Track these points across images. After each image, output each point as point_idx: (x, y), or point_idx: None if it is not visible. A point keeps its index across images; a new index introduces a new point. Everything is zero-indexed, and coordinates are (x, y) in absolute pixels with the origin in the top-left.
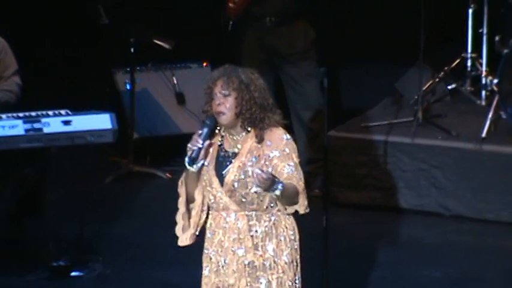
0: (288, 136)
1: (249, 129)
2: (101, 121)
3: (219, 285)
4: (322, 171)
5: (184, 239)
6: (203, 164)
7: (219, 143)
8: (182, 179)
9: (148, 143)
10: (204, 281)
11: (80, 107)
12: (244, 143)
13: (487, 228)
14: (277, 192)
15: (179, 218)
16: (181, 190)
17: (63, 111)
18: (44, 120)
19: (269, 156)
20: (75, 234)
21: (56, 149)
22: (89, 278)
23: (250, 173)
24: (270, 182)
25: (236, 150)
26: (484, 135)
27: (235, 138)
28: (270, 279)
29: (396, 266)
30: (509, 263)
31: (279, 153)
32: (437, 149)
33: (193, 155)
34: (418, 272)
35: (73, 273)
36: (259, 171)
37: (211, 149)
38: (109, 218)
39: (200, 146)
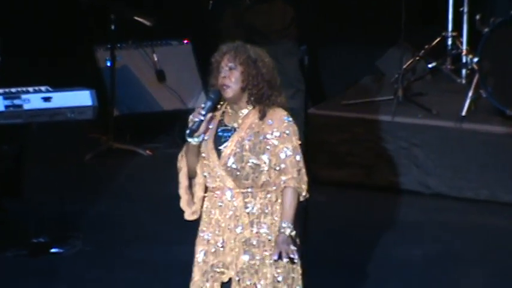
0: (290, 118)
1: (253, 104)
2: (81, 98)
3: (218, 266)
4: (302, 148)
5: (190, 213)
6: (203, 138)
7: (220, 118)
8: (182, 152)
9: (128, 120)
10: (198, 265)
11: (60, 84)
12: (245, 119)
13: (466, 206)
14: (293, 233)
15: (182, 192)
16: (182, 164)
17: (43, 88)
18: (24, 96)
19: (268, 135)
20: (55, 212)
21: (36, 125)
22: (69, 254)
23: (247, 147)
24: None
25: (236, 125)
26: (464, 113)
27: (237, 113)
28: (264, 256)
29: (376, 244)
30: (488, 241)
31: (279, 134)
32: (418, 128)
33: (194, 126)
34: (398, 250)
35: (53, 250)
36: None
37: (211, 124)
38: (89, 195)
39: (202, 118)
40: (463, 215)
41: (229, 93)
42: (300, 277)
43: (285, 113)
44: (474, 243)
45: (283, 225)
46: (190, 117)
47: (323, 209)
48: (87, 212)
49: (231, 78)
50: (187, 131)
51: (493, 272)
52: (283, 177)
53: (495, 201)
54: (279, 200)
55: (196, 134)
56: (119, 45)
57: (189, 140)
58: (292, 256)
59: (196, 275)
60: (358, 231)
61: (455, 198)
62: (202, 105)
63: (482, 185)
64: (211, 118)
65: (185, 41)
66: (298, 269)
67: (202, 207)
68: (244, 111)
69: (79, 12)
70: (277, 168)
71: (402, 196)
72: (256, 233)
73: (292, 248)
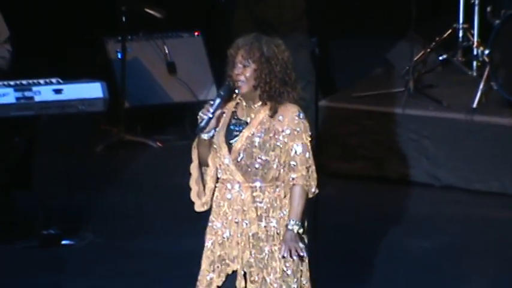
0: (302, 115)
1: (265, 101)
2: (92, 90)
3: (224, 257)
4: (313, 141)
5: (201, 204)
6: (213, 134)
7: (233, 109)
8: (194, 144)
9: (139, 112)
10: (206, 253)
11: (71, 76)
12: (257, 114)
13: (477, 198)
14: (301, 230)
15: (193, 183)
16: (194, 155)
17: (54, 80)
18: (35, 88)
19: (279, 131)
20: (65, 204)
21: (46, 117)
22: (79, 246)
23: (256, 144)
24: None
25: (248, 119)
26: (474, 105)
27: (250, 107)
28: (273, 250)
29: (386, 236)
30: (498, 233)
31: (290, 131)
32: (428, 120)
33: (203, 124)
34: (408, 242)
35: (63, 242)
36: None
37: (223, 116)
38: (100, 187)
39: (210, 115)
40: (473, 207)
41: (244, 88)
42: (308, 270)
43: (297, 109)
44: (484, 236)
45: (291, 222)
46: (200, 113)
47: (333, 202)
48: (98, 203)
49: (245, 74)
50: (197, 128)
51: (502, 264)
52: (293, 175)
53: (505, 194)
54: (288, 195)
55: (205, 131)
56: (129, 37)
57: (200, 134)
58: (301, 254)
59: (204, 263)
60: (368, 223)
61: (466, 191)
62: (211, 102)
63: (493, 177)
64: (222, 114)
65: (196, 33)
66: (307, 262)
67: (212, 198)
68: (257, 105)
69: (90, 4)
70: (287, 165)
71: (412, 188)
72: (265, 227)
73: (301, 245)
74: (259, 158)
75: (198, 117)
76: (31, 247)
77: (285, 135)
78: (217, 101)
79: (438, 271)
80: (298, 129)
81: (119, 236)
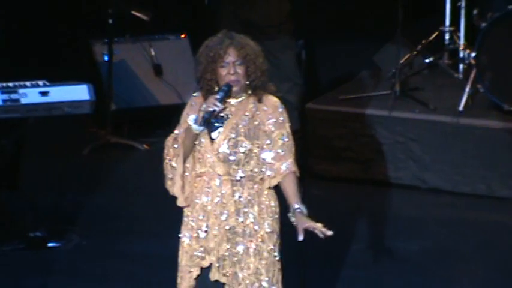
0: (283, 105)
1: (249, 93)
2: (79, 92)
3: (199, 250)
4: (299, 143)
5: (183, 199)
6: (206, 128)
7: None
8: (180, 139)
9: (125, 114)
10: (184, 249)
11: (58, 78)
12: (239, 106)
13: (463, 201)
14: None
15: (177, 178)
16: (180, 150)
17: (40, 82)
18: (21, 91)
19: (263, 121)
20: (52, 205)
21: (33, 120)
22: (66, 249)
23: (241, 132)
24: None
25: (228, 112)
26: (461, 108)
27: (233, 99)
28: (248, 246)
29: (373, 238)
30: (485, 236)
31: (275, 120)
32: (415, 122)
33: (206, 115)
34: (395, 244)
35: (50, 244)
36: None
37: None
38: (86, 189)
39: (217, 108)
40: (459, 210)
41: (238, 86)
42: (280, 272)
43: (277, 99)
44: (471, 238)
45: (299, 206)
46: (204, 105)
47: (320, 204)
48: (84, 205)
49: (239, 73)
50: (196, 118)
51: (489, 266)
52: (284, 163)
53: (492, 196)
54: (265, 192)
55: (205, 123)
56: (116, 39)
57: (195, 127)
58: (328, 233)
59: (183, 259)
60: (355, 225)
61: (452, 193)
62: (217, 96)
63: (479, 179)
64: (224, 109)
65: (182, 36)
66: (279, 263)
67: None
68: (240, 98)
69: (77, 6)
70: (275, 154)
71: (399, 191)
72: (242, 222)
73: (318, 224)
74: (242, 146)
75: (202, 109)
76: (18, 249)
77: (271, 124)
78: (222, 94)
79: (425, 273)
80: (281, 118)
81: (105, 237)
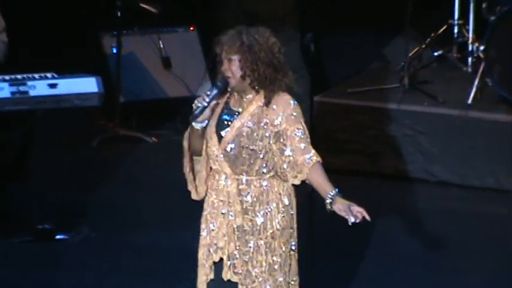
0: (295, 101)
1: (258, 89)
2: (87, 84)
3: (211, 247)
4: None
5: (196, 193)
6: (207, 124)
7: (227, 100)
8: (186, 134)
9: (134, 106)
10: (201, 242)
11: (66, 71)
12: (249, 104)
13: (472, 194)
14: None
15: (187, 172)
16: (185, 144)
17: (49, 74)
18: (30, 83)
19: (272, 121)
20: (61, 198)
21: (41, 112)
22: (74, 241)
23: (244, 133)
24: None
25: (241, 109)
26: (470, 101)
27: (242, 98)
28: (259, 243)
29: (380, 231)
30: (493, 229)
31: (287, 118)
32: (423, 115)
33: (197, 112)
34: (403, 237)
35: (58, 237)
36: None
37: (216, 108)
38: (95, 182)
39: (205, 104)
40: (467, 203)
41: (232, 83)
42: (296, 265)
43: (289, 96)
44: (479, 231)
45: (335, 192)
46: (195, 102)
47: None
48: (93, 198)
49: (230, 68)
50: (190, 116)
51: (497, 259)
52: (307, 156)
53: (500, 189)
54: (275, 189)
55: (199, 120)
56: (125, 32)
57: (193, 124)
58: (367, 218)
59: (199, 251)
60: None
61: (460, 186)
62: (208, 92)
63: (487, 173)
64: (216, 105)
65: (191, 28)
66: (296, 256)
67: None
68: (250, 96)
69: None
70: (297, 149)
71: (407, 184)
72: (251, 220)
73: (358, 208)
74: (246, 147)
75: (193, 105)
76: (26, 242)
77: (283, 122)
78: (214, 91)
79: (433, 266)
80: (294, 113)
81: (114, 230)
